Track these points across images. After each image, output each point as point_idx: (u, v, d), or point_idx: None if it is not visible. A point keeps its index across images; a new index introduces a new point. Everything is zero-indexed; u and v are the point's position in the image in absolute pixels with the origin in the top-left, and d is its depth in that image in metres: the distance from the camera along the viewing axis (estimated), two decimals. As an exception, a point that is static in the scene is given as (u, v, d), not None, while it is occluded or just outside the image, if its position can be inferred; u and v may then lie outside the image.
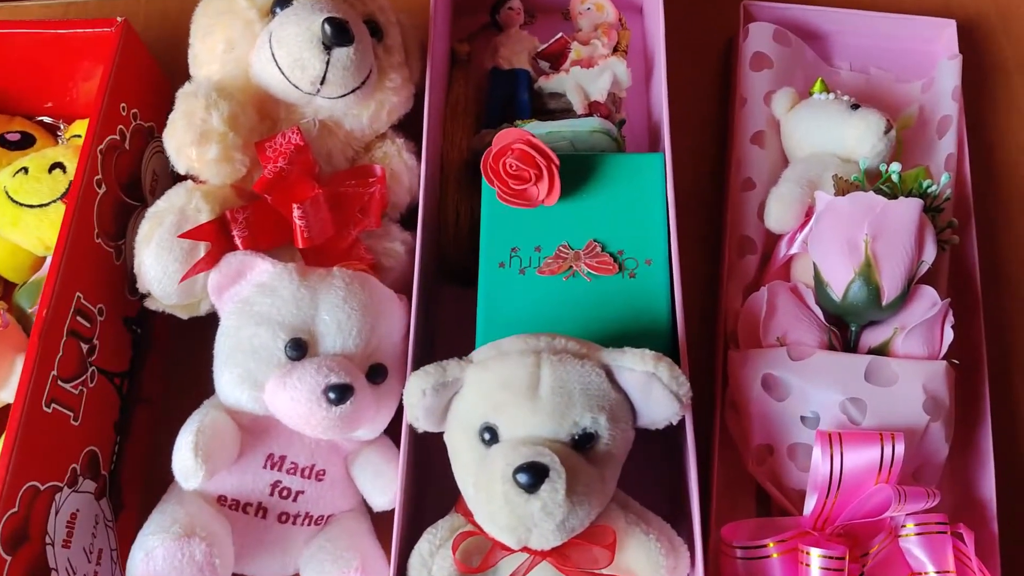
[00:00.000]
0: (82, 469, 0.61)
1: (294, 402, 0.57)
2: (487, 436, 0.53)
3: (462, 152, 0.77)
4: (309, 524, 0.62)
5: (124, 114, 0.68)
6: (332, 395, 0.56)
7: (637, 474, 0.58)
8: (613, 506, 0.56)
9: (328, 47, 0.61)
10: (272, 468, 0.60)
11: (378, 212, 0.68)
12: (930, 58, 0.84)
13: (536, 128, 0.73)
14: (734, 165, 0.77)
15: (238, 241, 0.63)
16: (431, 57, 0.71)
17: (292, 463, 0.61)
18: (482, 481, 0.52)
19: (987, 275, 0.75)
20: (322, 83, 0.63)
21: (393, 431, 0.64)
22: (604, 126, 0.73)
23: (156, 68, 0.74)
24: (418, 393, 0.54)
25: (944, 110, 0.79)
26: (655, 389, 0.53)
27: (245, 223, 0.63)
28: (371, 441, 0.64)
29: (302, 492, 0.61)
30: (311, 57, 0.61)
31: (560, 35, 0.80)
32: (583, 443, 0.52)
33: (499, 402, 0.52)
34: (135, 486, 0.69)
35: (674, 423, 0.55)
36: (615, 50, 0.84)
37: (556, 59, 0.82)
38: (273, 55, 0.62)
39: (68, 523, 0.59)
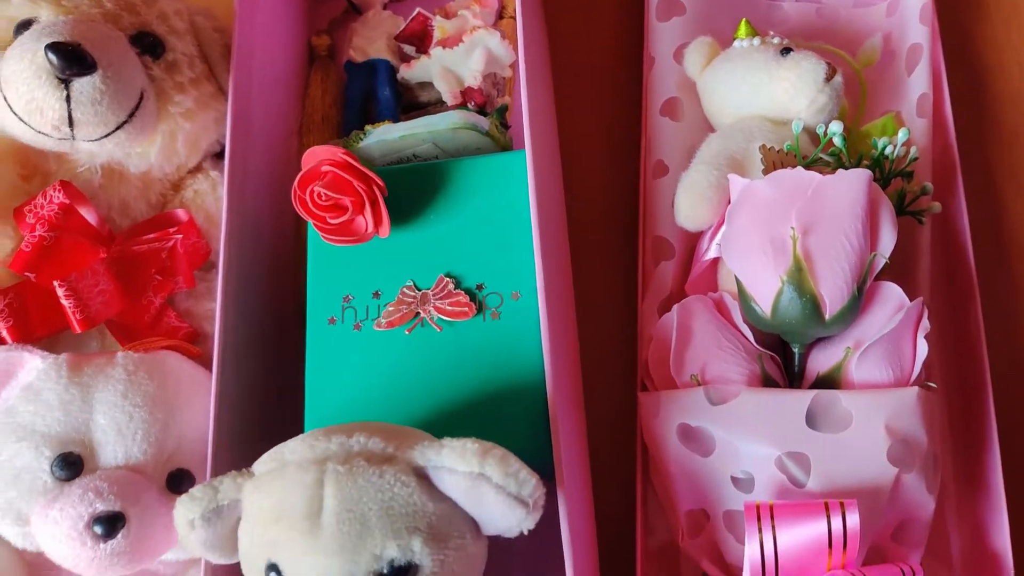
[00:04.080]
0: None
1: (56, 541, 0.45)
2: (273, 576, 0.40)
3: (321, 171, 0.64)
4: (131, 671, 0.50)
5: None
6: (98, 529, 0.44)
7: None
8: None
9: (63, 80, 0.48)
10: (67, 612, 0.49)
11: (188, 269, 0.55)
12: (894, -32, 0.66)
13: (387, 133, 0.59)
14: (644, 146, 0.61)
15: (4, 332, 0.51)
16: (236, 56, 0.57)
17: (91, 603, 0.49)
18: (265, 643, 0.39)
19: (985, 251, 0.58)
20: (71, 125, 0.50)
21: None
22: (467, 120, 0.58)
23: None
24: (185, 526, 0.42)
25: (913, 36, 0.61)
26: (487, 494, 0.39)
27: (8, 311, 0.51)
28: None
29: (111, 637, 0.49)
30: (45, 96, 0.48)
31: (417, 11, 0.66)
32: (396, 577, 0.39)
33: (275, 538, 0.39)
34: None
35: (525, 531, 0.41)
36: (500, 17, 0.69)
37: (421, 41, 0.67)
38: (6, 99, 0.50)
39: None
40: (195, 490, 0.42)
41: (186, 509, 0.41)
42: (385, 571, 0.38)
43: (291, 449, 0.41)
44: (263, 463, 0.42)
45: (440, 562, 0.39)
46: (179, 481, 0.49)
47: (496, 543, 0.44)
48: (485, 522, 0.41)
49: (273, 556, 0.39)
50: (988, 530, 0.51)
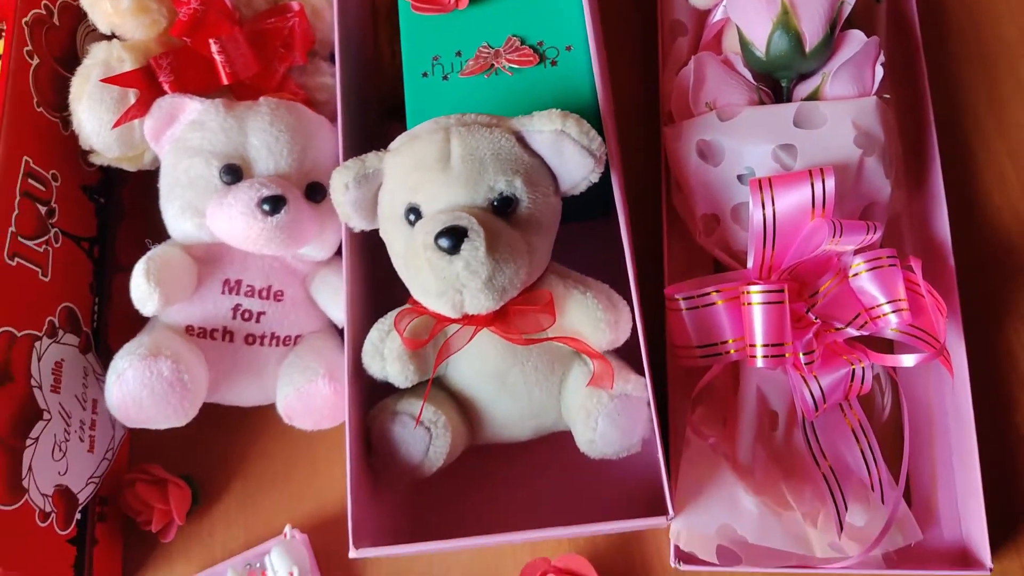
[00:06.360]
0: (60, 322, 0.65)
1: (232, 220, 0.59)
2: (411, 217, 0.54)
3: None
4: (277, 344, 0.64)
5: (48, -11, 0.70)
6: (266, 206, 0.59)
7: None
8: (552, 277, 0.58)
9: None
10: (230, 292, 0.63)
11: (302, 47, 0.69)
12: None
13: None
14: (660, -48, 0.75)
15: (166, 87, 0.64)
16: None
17: (248, 286, 0.63)
18: (410, 258, 0.53)
19: (929, 22, 0.73)
20: (215, -81, 0.63)
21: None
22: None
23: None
24: (341, 188, 0.56)
25: None
26: (567, 147, 0.54)
27: (170, 68, 0.64)
28: (327, 262, 0.66)
29: (263, 313, 0.63)
30: None
31: None
32: (503, 207, 0.54)
33: (415, 182, 0.54)
34: (123, 347, 0.73)
35: (593, 181, 0.56)
36: None
37: None
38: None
39: (53, 370, 0.63)
40: (347, 162, 0.56)
41: (341, 176, 0.56)
42: (495, 200, 0.53)
43: (420, 127, 0.56)
44: (398, 141, 0.57)
45: (532, 200, 0.54)
46: (315, 191, 0.63)
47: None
48: (563, 175, 0.56)
49: (413, 198, 0.54)
50: (932, 224, 0.67)
